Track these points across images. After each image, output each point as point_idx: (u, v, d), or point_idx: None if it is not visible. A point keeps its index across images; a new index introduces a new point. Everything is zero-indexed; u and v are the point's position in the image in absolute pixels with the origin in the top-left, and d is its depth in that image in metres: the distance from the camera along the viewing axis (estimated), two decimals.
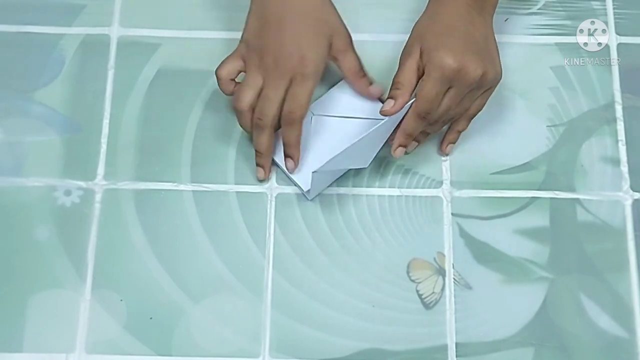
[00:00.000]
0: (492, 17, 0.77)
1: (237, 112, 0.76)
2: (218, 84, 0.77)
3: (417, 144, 0.79)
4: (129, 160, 0.80)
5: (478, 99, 0.75)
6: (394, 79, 0.75)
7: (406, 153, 0.78)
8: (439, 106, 0.73)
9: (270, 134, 0.75)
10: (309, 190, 0.77)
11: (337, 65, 0.77)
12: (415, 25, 0.76)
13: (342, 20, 0.76)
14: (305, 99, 0.74)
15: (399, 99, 0.73)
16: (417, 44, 0.73)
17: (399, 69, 0.75)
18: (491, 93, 0.76)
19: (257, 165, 0.78)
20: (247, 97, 0.74)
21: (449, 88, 0.72)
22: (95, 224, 0.78)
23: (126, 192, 0.79)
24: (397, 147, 0.76)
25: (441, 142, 0.80)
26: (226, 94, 0.77)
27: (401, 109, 0.73)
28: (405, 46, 0.75)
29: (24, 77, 0.83)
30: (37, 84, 0.82)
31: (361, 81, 0.78)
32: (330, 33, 0.75)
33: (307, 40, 0.73)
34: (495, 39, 0.76)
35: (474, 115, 0.77)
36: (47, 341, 0.74)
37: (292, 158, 0.77)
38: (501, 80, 0.75)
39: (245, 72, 0.76)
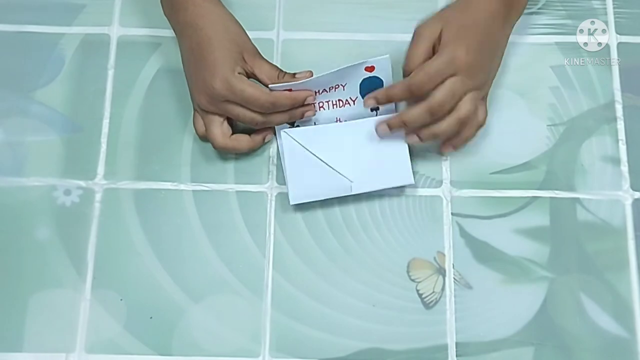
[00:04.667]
0: (512, 26, 0.78)
1: (218, 148, 0.77)
2: (229, 151, 0.78)
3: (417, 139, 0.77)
4: (129, 159, 0.80)
5: (470, 100, 0.74)
6: (408, 53, 0.74)
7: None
8: (435, 88, 0.72)
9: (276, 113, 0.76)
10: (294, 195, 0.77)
11: (257, 80, 0.76)
12: (443, 9, 0.77)
13: (247, 36, 0.77)
14: (256, 91, 0.73)
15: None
16: (439, 24, 0.74)
17: (414, 42, 0.74)
18: (480, 97, 0.75)
19: (259, 133, 0.79)
20: (216, 136, 0.76)
21: (451, 76, 0.72)
22: (95, 223, 0.78)
23: (126, 192, 0.79)
24: (381, 124, 0.76)
25: (444, 141, 0.78)
26: (240, 151, 0.78)
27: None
28: (425, 22, 0.75)
29: (24, 77, 0.83)
30: (37, 83, 0.82)
31: (284, 79, 0.75)
32: (239, 50, 0.75)
33: (220, 68, 0.73)
34: (503, 52, 0.78)
35: (482, 124, 0.77)
36: (47, 341, 0.74)
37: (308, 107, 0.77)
38: (501, 80, 0.75)
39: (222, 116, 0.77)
